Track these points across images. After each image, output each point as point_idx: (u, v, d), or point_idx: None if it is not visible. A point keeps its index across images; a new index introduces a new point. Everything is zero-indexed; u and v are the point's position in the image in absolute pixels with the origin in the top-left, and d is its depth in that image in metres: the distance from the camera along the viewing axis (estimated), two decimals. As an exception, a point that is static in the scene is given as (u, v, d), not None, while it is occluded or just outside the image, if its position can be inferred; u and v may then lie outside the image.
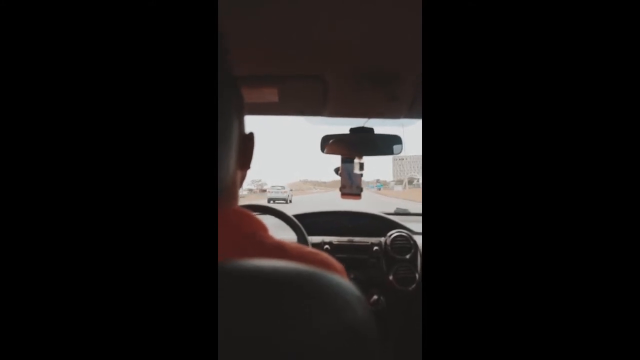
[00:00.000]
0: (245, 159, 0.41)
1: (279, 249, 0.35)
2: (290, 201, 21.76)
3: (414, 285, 1.20)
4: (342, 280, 0.26)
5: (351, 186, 1.13)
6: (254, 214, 0.38)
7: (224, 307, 0.22)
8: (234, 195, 0.40)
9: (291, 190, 28.08)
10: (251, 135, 0.42)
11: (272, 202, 20.62)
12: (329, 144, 1.05)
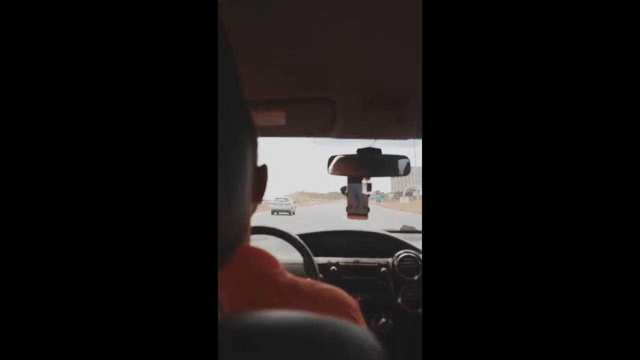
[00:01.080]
0: (257, 191, 0.40)
1: (292, 288, 0.34)
2: (294, 213, 22.23)
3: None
4: (360, 331, 0.25)
5: (357, 206, 1.11)
6: (265, 250, 0.37)
7: None
8: (246, 231, 0.39)
9: (294, 202, 28.98)
10: (264, 167, 0.41)
11: (275, 213, 21.14)
12: (336, 164, 1.04)
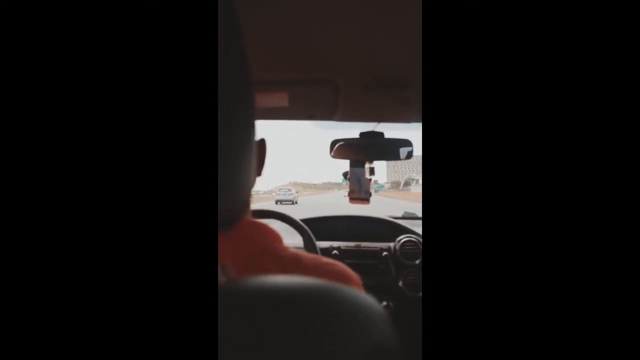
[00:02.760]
0: (257, 165, 0.40)
1: (295, 261, 0.34)
2: (296, 202, 22.94)
3: None
4: (364, 296, 0.25)
5: (360, 191, 1.11)
6: (267, 223, 0.37)
7: (235, 329, 0.20)
8: (247, 206, 0.39)
9: (297, 192, 29.98)
10: (262, 141, 0.41)
11: (279, 203, 21.69)
12: (338, 148, 1.03)
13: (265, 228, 0.37)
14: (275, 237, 0.37)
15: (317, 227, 1.31)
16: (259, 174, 0.41)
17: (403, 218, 1.63)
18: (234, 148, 0.31)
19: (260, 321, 0.21)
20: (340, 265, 0.36)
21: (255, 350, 0.20)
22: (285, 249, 0.36)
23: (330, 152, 1.04)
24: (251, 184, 0.39)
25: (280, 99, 0.84)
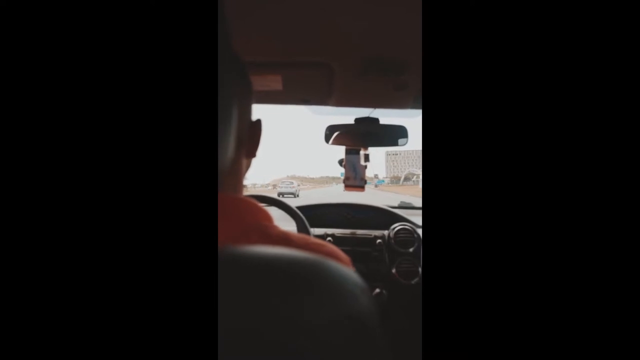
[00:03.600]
0: (250, 146, 0.40)
1: (283, 240, 0.34)
2: (298, 195, 23.49)
3: (416, 279, 1.19)
4: (346, 269, 0.25)
5: (355, 178, 1.11)
6: (258, 203, 0.37)
7: (223, 296, 0.21)
8: (238, 184, 0.39)
9: (299, 185, 30.65)
10: (258, 122, 0.41)
11: (281, 196, 21.71)
12: (333, 134, 1.03)
13: (254, 205, 0.36)
14: (264, 215, 0.37)
15: (311, 214, 1.31)
16: (253, 154, 0.41)
17: (399, 207, 1.64)
18: (227, 125, 0.31)
19: (240, 287, 0.21)
20: (330, 245, 0.36)
21: (229, 314, 0.20)
22: (275, 227, 0.36)
23: (325, 137, 1.03)
24: (242, 163, 0.39)
25: (274, 82, 0.83)
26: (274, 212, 1.27)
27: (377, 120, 1.01)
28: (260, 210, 0.37)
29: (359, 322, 0.23)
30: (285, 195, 22.62)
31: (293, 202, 1.26)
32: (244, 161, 0.40)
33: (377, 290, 1.20)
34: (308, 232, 1.10)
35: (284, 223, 1.24)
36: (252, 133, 0.40)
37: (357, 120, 1.01)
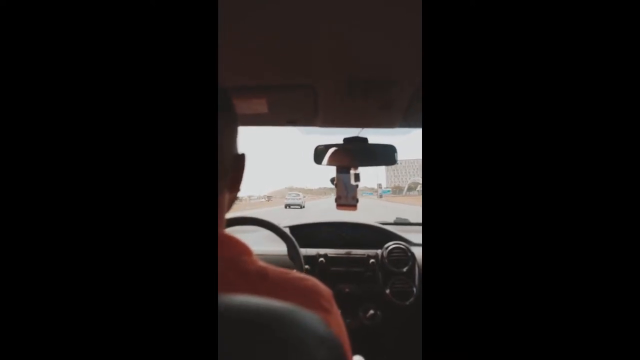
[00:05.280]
0: (235, 180, 0.39)
1: (261, 276, 0.33)
2: (303, 206, 24.21)
3: (411, 299, 1.16)
4: (313, 321, 0.25)
5: (347, 197, 1.10)
6: (238, 237, 0.36)
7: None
8: (219, 219, 0.38)
9: (304, 196, 31.55)
10: (242, 156, 0.40)
11: (288, 207, 22.97)
12: (322, 154, 1.02)
13: (234, 241, 0.36)
14: (243, 250, 0.36)
15: (304, 234, 1.29)
16: (237, 189, 0.40)
17: (394, 224, 1.62)
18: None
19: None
20: (311, 280, 0.35)
21: None
22: (254, 262, 0.35)
23: (314, 158, 1.03)
24: (224, 198, 0.38)
25: (259, 105, 0.83)
26: (264, 232, 1.25)
27: (365, 139, 1.00)
28: (239, 245, 0.36)
29: None
30: (292, 207, 23.18)
31: (297, 214, 1.25)
32: (227, 195, 0.39)
33: (371, 311, 1.17)
34: (298, 253, 1.08)
35: (275, 243, 1.22)
36: (236, 166, 0.39)
37: (345, 140, 1.00)
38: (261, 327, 0.23)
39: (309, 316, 0.25)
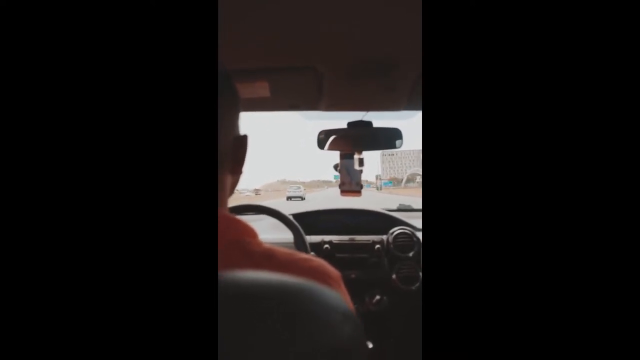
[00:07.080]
0: (236, 163, 0.39)
1: (267, 256, 0.33)
2: (304, 198, 25.07)
3: (417, 284, 1.16)
4: (330, 294, 0.24)
5: (351, 183, 1.09)
6: (243, 219, 0.36)
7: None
8: (222, 201, 0.37)
9: (305, 188, 33.21)
10: (244, 137, 0.39)
11: (290, 199, 23.76)
12: (326, 139, 1.01)
13: (238, 222, 0.35)
14: (248, 231, 0.35)
15: (309, 222, 1.29)
16: (239, 171, 0.39)
17: (398, 210, 1.61)
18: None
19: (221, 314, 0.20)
20: (317, 260, 0.35)
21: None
22: (259, 243, 0.34)
23: (318, 143, 1.01)
24: (226, 180, 0.38)
25: (261, 89, 0.81)
26: (270, 221, 1.25)
27: (370, 123, 0.98)
28: (243, 226, 0.35)
29: (343, 352, 0.22)
30: (293, 199, 24.13)
31: (297, 206, 1.24)
32: (229, 178, 0.38)
33: (378, 297, 1.17)
34: (304, 241, 1.07)
35: (280, 231, 1.22)
36: (237, 148, 0.38)
37: (349, 124, 0.99)
38: (278, 304, 0.22)
39: (328, 292, 0.24)
